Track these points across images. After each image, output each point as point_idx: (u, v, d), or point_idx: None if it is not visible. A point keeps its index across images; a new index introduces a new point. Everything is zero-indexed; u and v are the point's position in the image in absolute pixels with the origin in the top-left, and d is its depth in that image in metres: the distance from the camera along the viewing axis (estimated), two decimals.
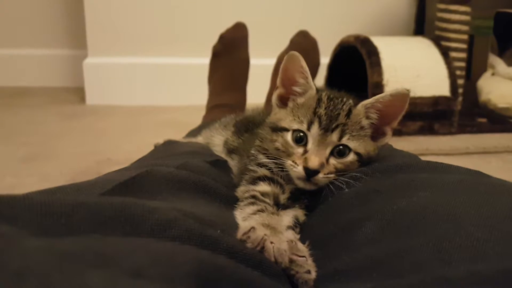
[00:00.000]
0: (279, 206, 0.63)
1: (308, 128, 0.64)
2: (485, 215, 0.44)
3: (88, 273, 0.27)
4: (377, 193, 0.56)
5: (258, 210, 0.58)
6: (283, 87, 0.70)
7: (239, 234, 0.51)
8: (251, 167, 0.68)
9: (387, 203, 0.52)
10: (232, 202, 0.63)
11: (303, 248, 0.52)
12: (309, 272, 0.50)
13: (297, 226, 0.61)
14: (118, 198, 0.44)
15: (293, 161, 0.63)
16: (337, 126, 0.63)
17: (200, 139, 1.04)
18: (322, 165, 0.62)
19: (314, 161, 0.61)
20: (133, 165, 0.77)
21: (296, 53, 0.66)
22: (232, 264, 0.41)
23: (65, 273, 0.27)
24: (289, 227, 0.59)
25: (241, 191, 0.65)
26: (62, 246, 0.31)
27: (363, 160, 0.65)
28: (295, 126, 0.65)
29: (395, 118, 0.68)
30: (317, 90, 0.68)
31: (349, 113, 0.65)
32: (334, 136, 0.63)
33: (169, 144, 0.99)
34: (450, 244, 0.41)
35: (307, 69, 0.67)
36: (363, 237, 0.50)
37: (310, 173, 0.62)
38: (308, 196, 0.66)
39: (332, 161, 0.63)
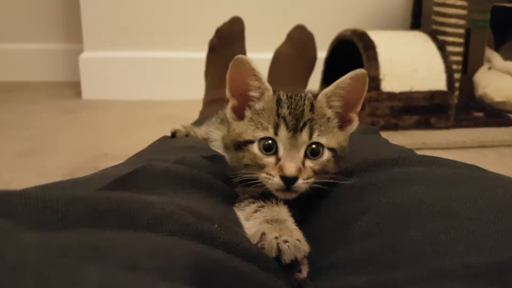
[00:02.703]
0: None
1: (276, 133, 0.59)
2: (481, 208, 0.45)
3: (84, 267, 0.27)
4: (373, 187, 0.56)
5: (259, 207, 0.57)
6: (234, 98, 0.65)
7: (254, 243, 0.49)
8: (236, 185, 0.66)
9: (383, 197, 0.52)
10: (229, 197, 0.63)
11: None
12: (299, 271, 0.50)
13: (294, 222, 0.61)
14: (115, 193, 0.44)
15: (267, 173, 0.59)
16: (304, 124, 0.59)
17: (202, 131, 1.03)
18: (299, 170, 0.58)
19: (290, 168, 0.57)
20: (130, 160, 0.77)
21: (242, 57, 0.61)
22: (229, 258, 0.41)
23: (62, 267, 0.27)
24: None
25: (240, 191, 0.64)
26: (58, 240, 0.31)
27: (338, 155, 0.62)
28: (260, 134, 0.60)
29: (358, 102, 0.64)
30: (273, 90, 0.63)
31: (312, 107, 0.61)
32: (304, 135, 0.59)
33: (165, 139, 0.99)
34: (445, 237, 0.42)
35: (258, 69, 0.62)
36: (359, 231, 0.50)
37: (289, 182, 0.57)
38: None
39: (308, 163, 0.60)
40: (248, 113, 0.64)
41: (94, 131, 1.79)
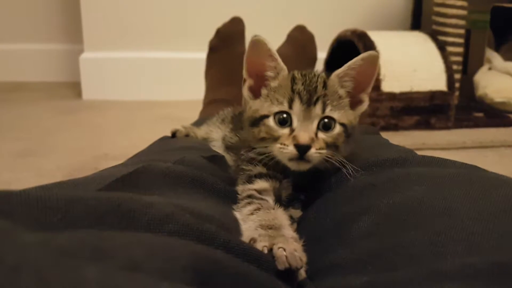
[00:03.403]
0: (281, 202, 0.63)
1: (290, 107, 0.62)
2: (481, 208, 0.45)
3: (84, 267, 0.27)
4: (373, 187, 0.56)
5: (255, 209, 0.58)
6: (252, 78, 0.68)
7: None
8: (245, 167, 0.67)
9: (383, 197, 0.52)
10: (229, 196, 0.63)
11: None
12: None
13: (293, 223, 0.61)
14: (115, 193, 0.44)
15: (281, 143, 0.61)
16: (318, 99, 0.62)
17: (202, 132, 1.03)
18: (312, 140, 0.60)
19: (304, 136, 0.60)
20: (130, 161, 0.77)
21: (259, 38, 0.64)
22: (229, 258, 0.41)
23: (62, 267, 0.27)
24: None
25: (239, 190, 0.64)
26: (58, 240, 0.31)
27: (348, 132, 0.64)
28: (276, 108, 0.63)
29: (368, 83, 0.67)
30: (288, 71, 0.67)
31: (325, 84, 0.64)
32: (318, 109, 0.61)
33: (165, 139, 0.99)
34: (446, 238, 0.42)
35: (274, 50, 0.65)
36: (359, 231, 0.50)
37: (302, 150, 0.60)
38: (305, 192, 0.66)
39: (321, 135, 0.62)
40: (264, 91, 0.67)
41: (94, 132, 1.79)
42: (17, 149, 1.54)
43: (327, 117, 0.62)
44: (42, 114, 1.97)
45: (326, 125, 0.62)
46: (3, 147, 1.56)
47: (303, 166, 0.62)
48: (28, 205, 0.37)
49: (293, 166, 0.62)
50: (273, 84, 0.66)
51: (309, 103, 0.61)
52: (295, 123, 0.62)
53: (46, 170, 1.37)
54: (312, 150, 0.60)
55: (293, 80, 0.64)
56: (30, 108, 2.05)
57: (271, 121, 0.63)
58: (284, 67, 0.66)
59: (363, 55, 0.64)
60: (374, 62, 0.65)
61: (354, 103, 0.67)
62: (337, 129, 0.63)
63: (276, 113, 0.63)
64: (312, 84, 0.63)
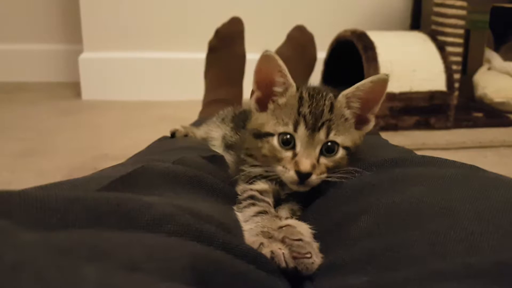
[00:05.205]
0: (281, 201, 0.64)
1: (295, 130, 0.62)
2: (480, 208, 0.45)
3: (83, 267, 0.27)
4: (373, 188, 0.57)
5: (259, 212, 0.58)
6: (260, 90, 0.68)
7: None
8: (244, 168, 0.68)
9: (382, 197, 0.52)
10: (229, 196, 0.63)
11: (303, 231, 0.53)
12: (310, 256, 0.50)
13: (292, 217, 0.62)
14: (114, 194, 0.44)
15: (283, 166, 0.62)
16: (323, 124, 0.62)
17: (201, 132, 1.03)
18: (313, 167, 0.61)
19: (305, 164, 0.60)
20: (129, 161, 0.77)
21: (270, 53, 0.64)
22: (228, 259, 0.41)
23: (61, 267, 0.27)
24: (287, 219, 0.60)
25: (240, 190, 0.65)
26: (57, 240, 0.31)
27: (352, 153, 0.65)
28: (281, 129, 0.63)
29: (376, 104, 0.67)
30: (297, 87, 0.66)
31: (332, 108, 0.64)
32: (322, 134, 0.62)
33: (164, 139, 0.99)
34: (445, 238, 0.42)
35: (284, 66, 0.65)
36: (358, 231, 0.50)
37: (303, 177, 0.61)
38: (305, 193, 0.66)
39: (323, 160, 0.62)
40: (271, 106, 0.67)
41: (94, 132, 1.78)
42: (17, 149, 1.54)
43: (330, 141, 0.63)
44: (41, 114, 1.97)
45: (329, 149, 0.63)
46: (3, 147, 1.56)
47: (303, 189, 0.63)
48: (27, 205, 0.37)
49: (293, 187, 0.63)
50: (281, 100, 0.66)
51: (313, 129, 0.62)
52: (298, 147, 0.62)
53: (46, 170, 1.37)
54: (313, 177, 0.61)
55: (300, 100, 0.64)
56: (30, 108, 2.05)
57: (275, 141, 0.63)
58: (293, 83, 0.66)
59: (372, 77, 0.64)
60: (383, 85, 0.65)
61: (360, 123, 0.68)
62: (340, 153, 0.63)
63: (280, 133, 0.63)
64: (318, 107, 0.63)
